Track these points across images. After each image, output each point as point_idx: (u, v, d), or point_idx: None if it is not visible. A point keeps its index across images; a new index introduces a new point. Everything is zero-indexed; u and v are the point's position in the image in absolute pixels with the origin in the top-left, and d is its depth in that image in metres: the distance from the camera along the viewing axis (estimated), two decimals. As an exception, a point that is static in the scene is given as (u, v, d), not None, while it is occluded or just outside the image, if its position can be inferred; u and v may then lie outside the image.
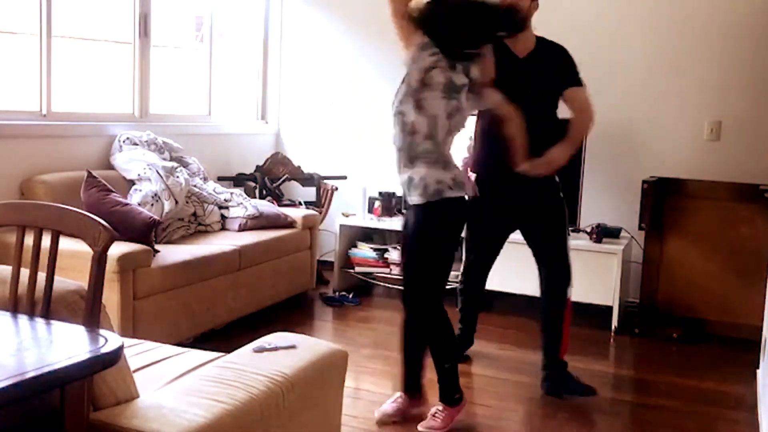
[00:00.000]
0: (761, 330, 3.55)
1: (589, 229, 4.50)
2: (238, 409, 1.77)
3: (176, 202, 4.10)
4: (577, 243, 4.43)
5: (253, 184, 5.24)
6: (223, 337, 3.83)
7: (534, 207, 3.42)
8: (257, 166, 5.34)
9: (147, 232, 3.61)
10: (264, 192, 5.18)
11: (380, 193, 5.19)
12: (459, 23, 2.79)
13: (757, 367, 3.60)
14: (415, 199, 2.92)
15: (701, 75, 4.62)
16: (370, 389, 3.41)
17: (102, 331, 1.56)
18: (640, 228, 4.40)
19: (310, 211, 4.88)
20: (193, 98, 5.29)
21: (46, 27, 3.95)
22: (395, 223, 4.99)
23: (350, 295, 4.85)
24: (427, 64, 2.79)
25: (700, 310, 4.38)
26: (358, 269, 5.05)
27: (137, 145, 4.29)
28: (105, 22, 4.72)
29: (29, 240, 1.79)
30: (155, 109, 4.76)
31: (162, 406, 1.72)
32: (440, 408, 3.00)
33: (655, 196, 4.35)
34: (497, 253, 3.62)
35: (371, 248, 5.03)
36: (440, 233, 2.91)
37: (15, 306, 1.73)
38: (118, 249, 3.29)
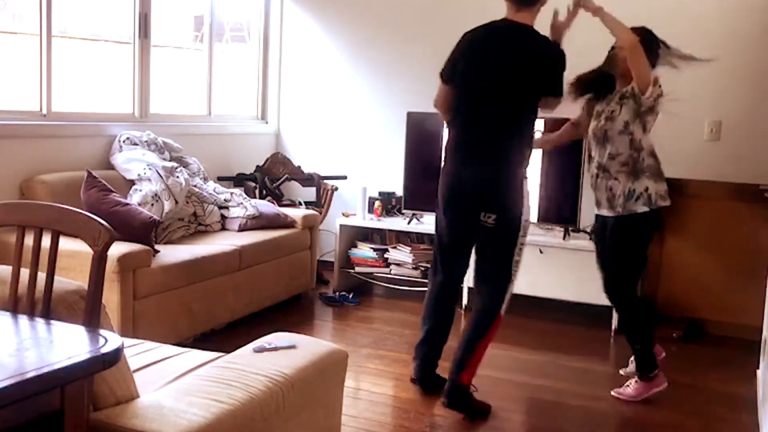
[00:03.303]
0: (761, 330, 3.55)
1: (589, 229, 4.49)
2: (238, 409, 1.77)
3: (176, 202, 4.10)
4: (577, 243, 4.45)
5: (253, 184, 5.24)
6: (223, 337, 3.84)
7: None
8: (257, 166, 5.34)
9: (147, 232, 3.61)
10: (264, 192, 5.18)
11: (380, 193, 5.20)
12: None
13: (757, 367, 3.60)
14: (639, 208, 3.27)
15: (701, 75, 4.61)
16: (370, 389, 3.41)
17: (102, 331, 1.56)
18: (640, 228, 4.39)
19: (310, 211, 4.88)
20: (193, 98, 5.29)
21: (46, 27, 3.95)
22: (395, 223, 5.00)
23: (350, 295, 4.85)
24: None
25: (700, 310, 4.39)
26: (358, 269, 5.05)
27: (137, 145, 4.29)
28: (105, 22, 4.72)
29: (29, 240, 1.79)
30: (155, 109, 4.76)
31: (162, 406, 1.72)
32: (635, 380, 3.42)
33: (655, 196, 4.34)
34: None
35: (371, 248, 5.03)
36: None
37: (15, 306, 1.73)
38: (118, 249, 3.29)
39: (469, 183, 3.14)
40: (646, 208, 3.27)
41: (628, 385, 3.43)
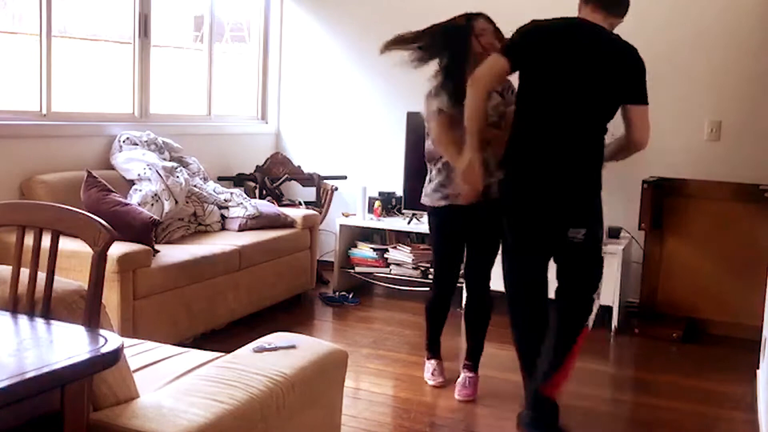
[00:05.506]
0: (761, 330, 3.54)
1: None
2: (238, 409, 1.77)
3: (176, 202, 4.10)
4: (577, 243, 4.43)
5: (253, 184, 5.24)
6: (223, 337, 3.84)
7: None
8: (257, 166, 5.34)
9: (147, 232, 3.61)
10: (264, 192, 5.18)
11: (380, 193, 5.20)
12: None
13: (757, 367, 3.60)
14: None
15: (701, 75, 4.62)
16: (370, 389, 3.41)
17: (102, 331, 1.56)
18: (640, 228, 4.40)
19: (310, 211, 4.88)
20: (193, 98, 5.29)
21: (46, 27, 3.95)
22: (395, 223, 4.99)
23: (350, 295, 4.85)
24: None
25: (700, 310, 4.38)
26: (358, 269, 5.05)
27: (137, 145, 4.29)
28: (105, 22, 4.73)
29: (29, 240, 1.79)
30: (155, 109, 4.76)
31: (162, 406, 1.72)
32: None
33: (655, 196, 4.35)
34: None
35: (371, 248, 5.03)
36: None
37: (15, 306, 1.73)
38: (118, 249, 3.29)
39: (562, 194, 2.86)
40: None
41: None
